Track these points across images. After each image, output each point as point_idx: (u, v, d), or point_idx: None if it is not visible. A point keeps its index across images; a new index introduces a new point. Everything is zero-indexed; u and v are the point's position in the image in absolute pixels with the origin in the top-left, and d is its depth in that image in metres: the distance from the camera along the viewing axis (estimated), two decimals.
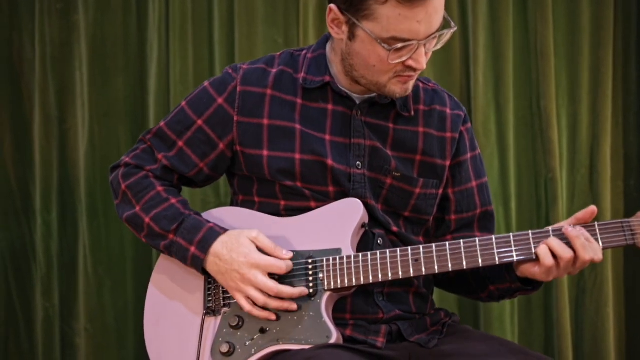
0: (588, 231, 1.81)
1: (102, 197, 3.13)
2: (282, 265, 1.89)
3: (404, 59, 1.85)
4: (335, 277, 1.89)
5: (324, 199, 1.97)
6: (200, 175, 2.06)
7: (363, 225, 1.95)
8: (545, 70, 3.14)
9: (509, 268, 1.93)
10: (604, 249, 1.81)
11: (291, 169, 1.96)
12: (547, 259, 1.80)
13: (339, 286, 1.88)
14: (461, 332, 2.03)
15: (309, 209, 1.97)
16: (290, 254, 1.91)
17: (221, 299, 1.95)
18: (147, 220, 1.98)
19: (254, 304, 1.89)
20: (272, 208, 2.00)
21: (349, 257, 1.89)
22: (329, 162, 1.95)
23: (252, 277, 1.88)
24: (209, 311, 1.95)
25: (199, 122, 2.02)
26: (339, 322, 1.91)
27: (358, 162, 1.97)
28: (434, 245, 1.87)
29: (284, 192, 1.98)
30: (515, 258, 1.83)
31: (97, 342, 3.12)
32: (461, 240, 1.85)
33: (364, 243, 1.96)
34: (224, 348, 1.90)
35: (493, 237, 1.85)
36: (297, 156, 1.96)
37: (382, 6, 1.80)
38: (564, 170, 3.19)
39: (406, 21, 1.80)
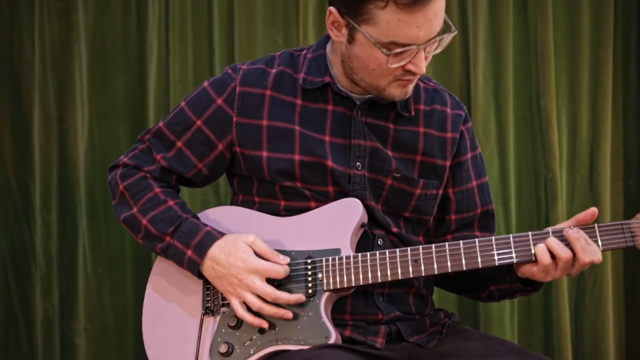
0: (588, 233, 1.80)
1: (101, 197, 3.13)
2: (280, 270, 1.88)
3: (403, 63, 1.84)
4: (334, 277, 1.88)
5: (324, 199, 1.96)
6: (199, 176, 2.06)
7: (362, 225, 1.94)
8: (545, 70, 3.14)
9: (509, 268, 1.92)
10: (603, 250, 1.81)
11: (291, 169, 1.95)
12: (545, 258, 1.80)
13: (338, 286, 1.88)
14: (461, 333, 2.02)
15: (309, 209, 1.97)
16: (288, 259, 1.91)
17: (220, 299, 1.95)
18: (144, 222, 1.98)
19: (248, 309, 1.88)
20: (272, 208, 2.00)
21: (348, 257, 1.89)
22: (329, 163, 1.95)
23: (249, 282, 1.87)
24: (208, 311, 1.95)
25: (198, 122, 2.02)
26: (338, 323, 1.91)
27: (358, 163, 1.97)
28: (433, 246, 1.86)
29: (284, 193, 1.98)
30: (514, 259, 1.83)
31: (96, 342, 3.12)
32: (461, 241, 1.85)
33: (364, 244, 1.95)
34: (223, 348, 1.90)
35: (493, 238, 1.84)
36: (296, 157, 1.95)
37: (381, 11, 1.79)
38: (564, 170, 3.19)
39: (406, 26, 1.79)
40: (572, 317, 3.17)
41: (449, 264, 1.84)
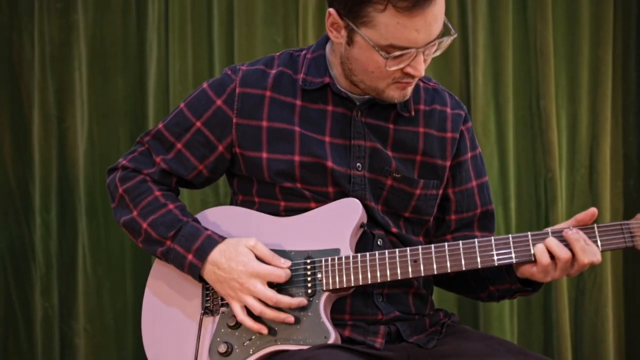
0: (587, 233, 1.80)
1: (101, 196, 3.13)
2: (282, 274, 1.88)
3: (401, 66, 1.84)
4: (333, 277, 1.88)
5: (324, 200, 1.96)
6: (200, 177, 2.05)
7: (362, 225, 1.94)
8: (545, 70, 3.14)
9: (509, 269, 1.92)
10: (603, 251, 1.81)
11: (290, 170, 1.95)
12: (544, 258, 1.80)
13: (338, 286, 1.88)
14: (460, 333, 2.02)
15: (309, 210, 1.96)
16: (289, 263, 1.90)
17: (219, 299, 1.95)
18: (144, 225, 1.97)
19: (249, 313, 1.88)
20: (271, 208, 1.99)
21: (347, 257, 1.88)
22: (329, 164, 1.95)
23: (251, 285, 1.87)
24: (207, 311, 1.95)
25: (198, 124, 2.01)
26: (337, 323, 1.91)
27: (358, 164, 1.97)
28: (432, 246, 1.86)
29: (284, 193, 1.97)
30: (514, 260, 1.83)
31: (96, 342, 3.12)
32: (460, 242, 1.85)
33: (364, 244, 1.95)
34: (222, 348, 1.90)
35: (492, 238, 1.84)
36: (296, 158, 1.95)
37: (380, 14, 1.78)
38: (564, 170, 3.19)
39: (405, 30, 1.78)
40: (572, 318, 3.17)
41: (448, 264, 1.84)
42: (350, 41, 1.87)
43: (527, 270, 1.86)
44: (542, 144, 3.16)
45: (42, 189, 3.12)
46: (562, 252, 1.79)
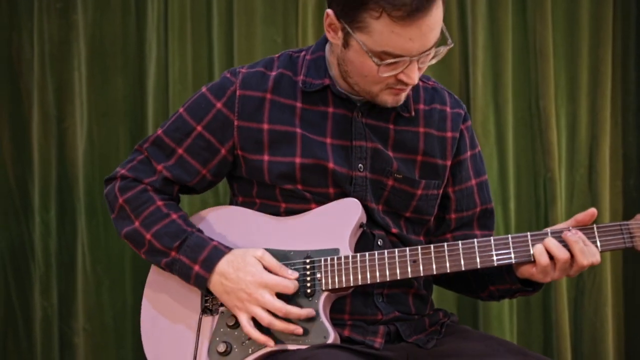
0: (587, 234, 1.80)
1: (100, 196, 3.12)
2: (290, 285, 1.86)
3: (395, 73, 1.83)
4: (333, 277, 1.88)
5: (325, 201, 1.96)
6: (203, 182, 2.03)
7: (361, 226, 1.94)
8: (544, 70, 3.14)
9: (509, 269, 1.92)
10: (602, 251, 1.81)
11: (291, 172, 1.94)
12: (543, 259, 1.80)
13: (337, 286, 1.88)
14: (460, 332, 2.02)
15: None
16: (296, 274, 1.88)
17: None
18: (148, 236, 1.95)
19: (255, 325, 1.86)
20: (272, 210, 1.99)
21: (346, 257, 1.88)
22: (330, 165, 1.94)
23: (259, 296, 1.85)
24: (206, 310, 1.95)
25: (199, 128, 1.99)
26: (337, 323, 1.90)
27: (360, 165, 1.96)
28: (432, 246, 1.86)
29: (284, 195, 1.97)
30: (513, 260, 1.83)
31: (95, 341, 3.12)
32: (459, 242, 1.85)
33: (364, 244, 1.95)
34: (221, 347, 1.89)
35: (491, 238, 1.84)
36: (297, 160, 1.94)
37: (375, 21, 1.77)
38: (563, 170, 3.19)
39: (399, 38, 1.77)
40: (571, 318, 3.17)
41: (447, 264, 1.84)
42: (346, 44, 1.87)
43: (527, 271, 1.86)
44: (541, 144, 3.16)
45: (41, 188, 3.11)
46: (561, 253, 1.79)
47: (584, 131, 3.20)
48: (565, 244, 1.80)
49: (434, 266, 1.84)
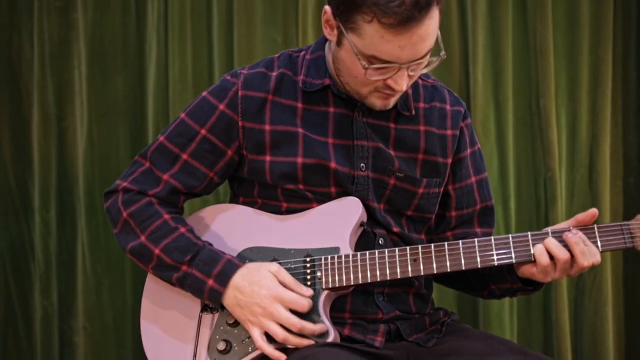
0: (587, 234, 1.80)
1: (100, 195, 3.12)
2: (305, 304, 1.84)
3: (383, 77, 1.83)
4: (333, 275, 1.88)
5: (327, 201, 1.95)
6: (210, 186, 2.01)
7: (362, 224, 1.94)
8: (545, 69, 3.14)
9: (509, 268, 1.92)
10: (602, 251, 1.81)
11: (293, 172, 1.94)
12: (543, 259, 1.80)
13: (337, 285, 1.88)
14: (460, 331, 2.02)
15: None
16: (311, 291, 1.86)
17: None
18: (156, 251, 1.91)
19: (268, 340, 1.84)
20: (274, 210, 1.99)
21: (347, 256, 1.88)
22: (332, 165, 1.94)
23: (274, 310, 1.83)
24: (206, 308, 1.94)
25: (203, 131, 1.97)
26: (337, 321, 1.90)
27: (362, 164, 1.96)
28: (432, 245, 1.86)
29: (286, 195, 1.97)
30: (513, 260, 1.83)
31: (95, 340, 3.12)
32: (460, 241, 1.85)
33: (365, 243, 1.95)
34: (221, 346, 1.89)
35: (492, 238, 1.84)
36: (299, 160, 1.94)
37: (367, 24, 1.77)
38: (563, 169, 3.19)
39: (388, 44, 1.77)
40: (572, 317, 3.17)
41: (448, 263, 1.84)
42: (339, 42, 1.87)
43: (528, 270, 1.86)
44: (541, 143, 3.15)
45: (41, 187, 3.11)
46: (561, 253, 1.79)
47: (585, 130, 3.19)
48: (565, 244, 1.79)
49: (435, 265, 1.84)
